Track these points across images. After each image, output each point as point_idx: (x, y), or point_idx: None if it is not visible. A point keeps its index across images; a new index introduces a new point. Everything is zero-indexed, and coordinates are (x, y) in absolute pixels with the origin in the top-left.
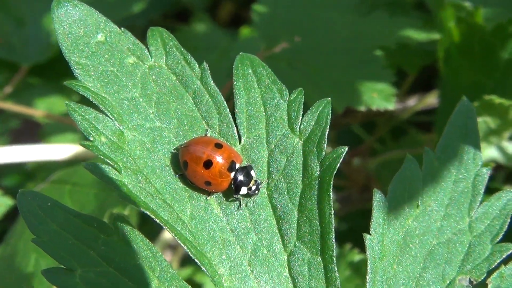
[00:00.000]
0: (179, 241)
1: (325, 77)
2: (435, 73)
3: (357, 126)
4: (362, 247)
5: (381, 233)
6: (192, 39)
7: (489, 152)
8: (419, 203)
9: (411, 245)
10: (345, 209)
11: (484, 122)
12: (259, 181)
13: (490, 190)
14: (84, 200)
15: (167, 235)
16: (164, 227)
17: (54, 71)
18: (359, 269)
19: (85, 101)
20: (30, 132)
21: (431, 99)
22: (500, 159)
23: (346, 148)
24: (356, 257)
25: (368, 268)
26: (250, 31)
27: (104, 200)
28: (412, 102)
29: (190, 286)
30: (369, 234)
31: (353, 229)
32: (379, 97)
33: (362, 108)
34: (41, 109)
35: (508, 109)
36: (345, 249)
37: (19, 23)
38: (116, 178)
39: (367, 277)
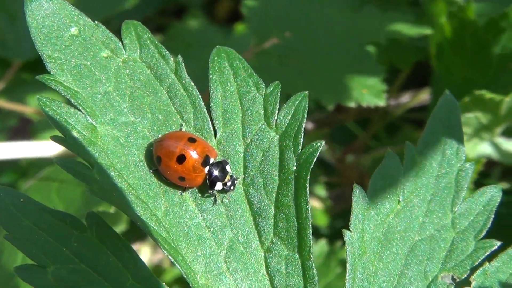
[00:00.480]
0: (152, 238)
1: (316, 73)
2: (429, 70)
3: (351, 123)
4: None
5: (361, 229)
6: (186, 36)
7: (482, 148)
8: (400, 199)
9: (392, 242)
10: (339, 206)
11: (475, 117)
12: (234, 176)
13: None
14: (71, 197)
15: None
16: (136, 223)
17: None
18: None
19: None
20: (27, 129)
21: (424, 96)
22: (494, 155)
23: (323, 142)
24: None
25: (347, 265)
26: (244, 28)
27: (91, 197)
28: (406, 98)
29: (164, 283)
30: (349, 230)
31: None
32: (369, 93)
33: (352, 105)
34: (34, 106)
35: (499, 104)
36: (336, 247)
37: (11, 18)
38: (88, 173)
39: (347, 274)
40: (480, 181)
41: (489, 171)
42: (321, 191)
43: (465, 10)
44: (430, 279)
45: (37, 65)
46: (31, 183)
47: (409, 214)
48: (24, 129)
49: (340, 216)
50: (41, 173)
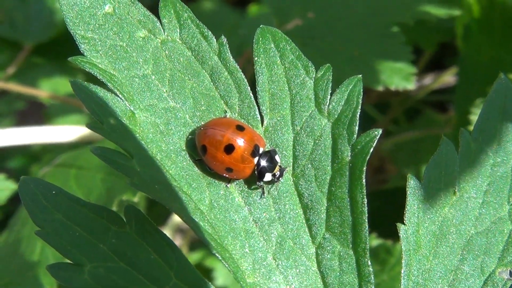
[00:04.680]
0: (197, 234)
1: (341, 55)
2: (449, 51)
3: (370, 107)
4: (378, 231)
5: (416, 223)
6: (199, 18)
7: None
8: (456, 190)
9: (447, 236)
10: None
11: None
12: (283, 166)
13: None
14: (90, 184)
15: (176, 218)
16: (181, 218)
17: (58, 51)
18: (377, 255)
19: (91, 80)
20: (36, 113)
21: (448, 78)
22: None
23: (380, 131)
24: (374, 241)
25: (403, 261)
26: (258, 9)
27: (112, 185)
28: (428, 80)
29: (210, 283)
30: (403, 224)
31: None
32: (398, 76)
33: (380, 88)
34: (45, 90)
35: None
36: None
37: None
38: (128, 164)
39: (402, 271)
40: None
41: None
42: None
43: None
44: (487, 275)
45: (48, 49)
46: (47, 170)
47: (464, 206)
48: (33, 113)
49: None
50: (58, 159)
